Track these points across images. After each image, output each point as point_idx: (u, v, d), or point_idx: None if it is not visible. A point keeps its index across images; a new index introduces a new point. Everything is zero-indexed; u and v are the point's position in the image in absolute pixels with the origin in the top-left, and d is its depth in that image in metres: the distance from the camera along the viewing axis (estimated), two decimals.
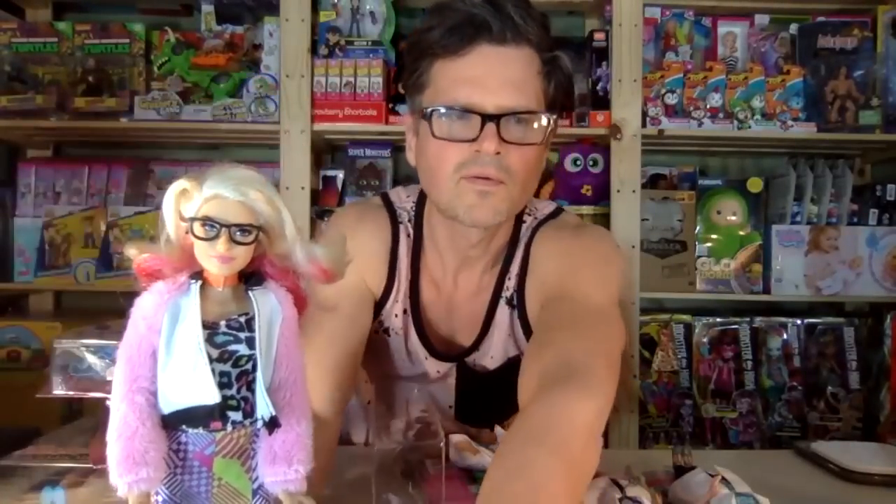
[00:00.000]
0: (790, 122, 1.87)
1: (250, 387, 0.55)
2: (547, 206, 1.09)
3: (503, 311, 1.05)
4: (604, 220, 1.90)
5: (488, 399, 1.06)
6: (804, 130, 1.88)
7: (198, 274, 0.56)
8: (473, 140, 0.90)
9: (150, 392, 0.54)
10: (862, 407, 1.95)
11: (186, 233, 0.54)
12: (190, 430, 0.54)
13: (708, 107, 1.89)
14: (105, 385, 0.84)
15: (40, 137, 2.10)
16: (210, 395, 0.53)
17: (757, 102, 1.89)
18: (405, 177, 1.99)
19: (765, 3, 2.02)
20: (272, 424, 0.55)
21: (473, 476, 0.90)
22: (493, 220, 0.94)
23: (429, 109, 0.93)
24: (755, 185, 1.98)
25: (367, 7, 1.94)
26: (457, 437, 0.94)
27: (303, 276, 0.58)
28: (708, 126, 1.87)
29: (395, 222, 1.05)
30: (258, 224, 0.55)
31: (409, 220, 1.06)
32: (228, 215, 0.54)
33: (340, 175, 1.99)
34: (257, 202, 0.55)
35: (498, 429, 0.98)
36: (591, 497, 0.76)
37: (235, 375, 0.54)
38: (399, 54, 1.92)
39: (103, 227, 1.94)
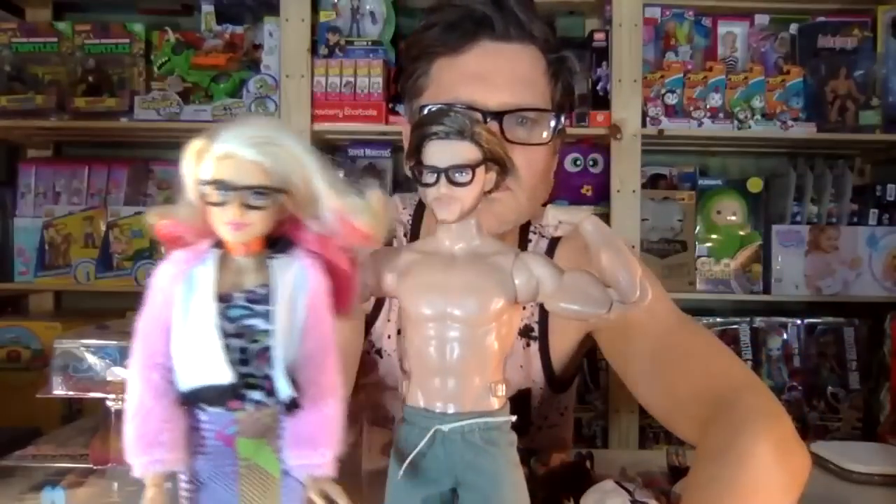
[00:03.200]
0: (790, 122, 1.87)
1: (271, 364, 0.50)
2: None
3: (515, 343, 0.99)
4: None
5: None
6: (804, 130, 1.87)
7: (221, 242, 0.51)
8: None
9: (165, 368, 0.50)
10: (862, 407, 1.95)
11: (199, 196, 0.50)
12: (209, 409, 0.51)
13: (708, 107, 1.88)
14: (105, 385, 0.84)
15: (40, 137, 2.10)
16: (223, 374, 0.49)
17: (757, 102, 1.88)
18: (405, 177, 1.99)
19: (765, 3, 2.01)
20: (292, 406, 0.50)
21: None
22: (497, 230, 0.88)
23: (427, 108, 0.89)
24: (755, 185, 1.98)
25: (367, 7, 1.94)
26: None
27: (341, 239, 0.52)
28: (708, 126, 1.87)
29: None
30: (277, 185, 0.49)
31: (405, 234, 1.02)
32: (241, 177, 0.49)
33: (340, 175, 1.98)
34: (276, 160, 0.49)
35: None
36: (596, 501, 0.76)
37: (254, 352, 0.50)
38: (399, 55, 1.92)
39: (103, 227, 1.94)
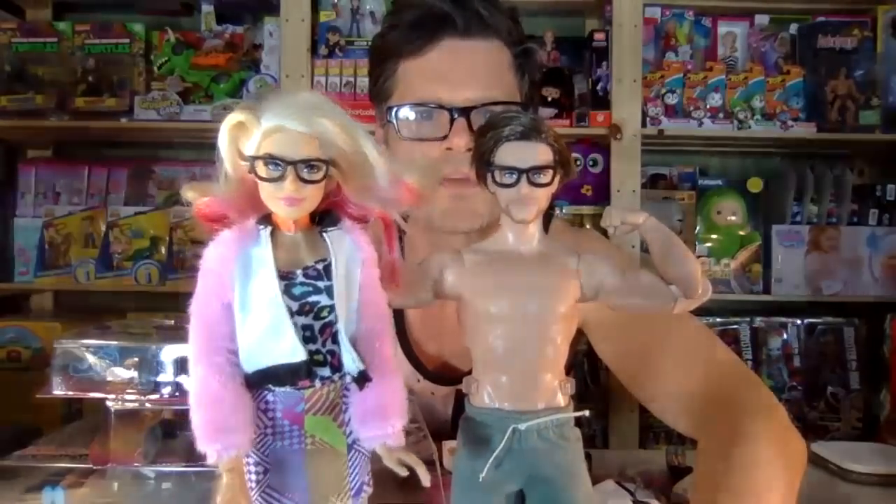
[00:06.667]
0: (790, 122, 1.87)
1: (336, 339, 0.49)
2: None
3: None
4: None
5: None
6: (804, 130, 1.87)
7: (266, 217, 0.49)
8: (443, 138, 0.86)
9: (229, 351, 0.49)
10: (862, 407, 1.95)
11: (249, 172, 0.48)
12: (277, 389, 0.49)
13: (708, 107, 1.88)
14: (105, 385, 0.84)
15: (40, 137, 2.10)
16: (295, 352, 0.48)
17: (757, 102, 1.88)
18: None
19: (765, 3, 2.01)
20: (362, 379, 0.49)
21: None
22: (473, 225, 0.88)
23: (393, 109, 0.89)
24: (755, 185, 1.98)
25: (367, 7, 1.94)
26: (452, 443, 0.93)
27: (391, 203, 0.52)
28: (708, 126, 1.87)
29: None
30: (327, 157, 0.48)
31: None
32: (293, 150, 0.47)
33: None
34: (326, 131, 0.48)
35: None
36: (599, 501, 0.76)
37: (319, 328, 0.49)
38: None
39: (103, 227, 1.93)
